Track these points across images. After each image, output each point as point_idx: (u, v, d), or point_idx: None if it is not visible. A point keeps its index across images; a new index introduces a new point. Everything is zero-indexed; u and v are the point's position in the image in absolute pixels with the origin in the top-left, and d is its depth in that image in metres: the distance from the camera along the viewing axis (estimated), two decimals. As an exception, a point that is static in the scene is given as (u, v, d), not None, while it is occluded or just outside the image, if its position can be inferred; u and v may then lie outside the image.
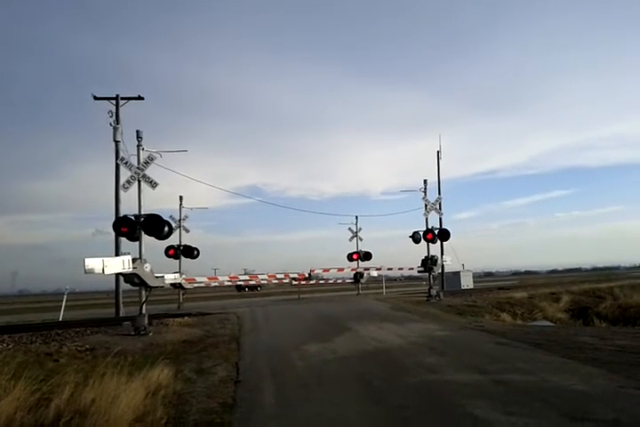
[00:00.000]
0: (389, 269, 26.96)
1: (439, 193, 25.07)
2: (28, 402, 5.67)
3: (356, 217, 29.62)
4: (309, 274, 23.64)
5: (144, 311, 12.76)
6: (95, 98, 23.80)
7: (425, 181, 23.15)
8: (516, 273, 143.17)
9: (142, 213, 12.93)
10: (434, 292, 22.88)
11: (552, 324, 19.68)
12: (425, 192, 22.93)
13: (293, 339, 11.44)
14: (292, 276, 22.05)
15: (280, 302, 23.70)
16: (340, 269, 24.36)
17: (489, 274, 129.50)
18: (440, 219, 25.03)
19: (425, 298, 22.62)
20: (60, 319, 20.86)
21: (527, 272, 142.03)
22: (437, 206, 23.50)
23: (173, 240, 23.16)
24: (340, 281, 29.76)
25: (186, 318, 15.71)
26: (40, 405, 5.68)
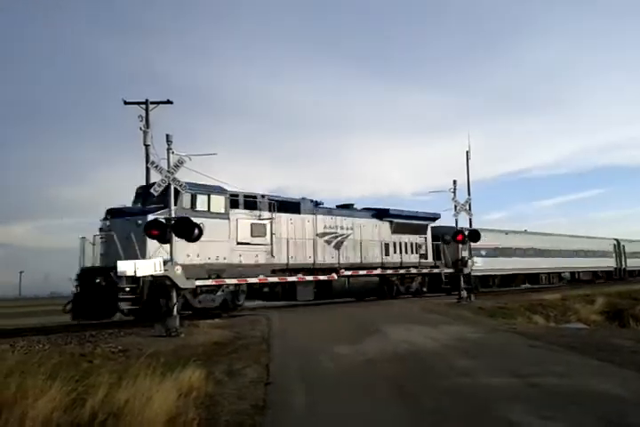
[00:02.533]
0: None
1: (469, 194, 24.58)
2: (64, 402, 5.76)
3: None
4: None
5: (175, 313, 12.90)
6: (125, 103, 24.17)
7: (454, 182, 22.88)
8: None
9: (172, 216, 13.08)
10: (464, 294, 22.63)
11: (586, 326, 19.28)
12: (454, 193, 22.65)
13: (323, 341, 11.44)
14: (321, 278, 21.95)
15: (309, 303, 23.66)
16: (370, 270, 24.10)
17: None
18: (470, 220, 24.69)
19: (455, 300, 22.39)
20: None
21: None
22: (467, 207, 23.23)
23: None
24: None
25: (216, 319, 15.81)
26: (75, 405, 5.76)
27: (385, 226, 24.19)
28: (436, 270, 25.87)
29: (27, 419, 5.23)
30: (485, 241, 26.97)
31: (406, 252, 25.00)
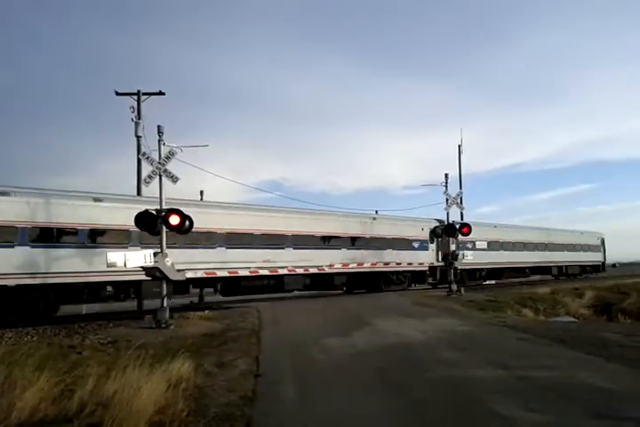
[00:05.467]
0: (409, 264, 26.79)
1: (460, 187, 24.78)
2: (52, 393, 5.74)
3: (376, 211, 29.49)
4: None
5: (165, 305, 12.86)
6: (117, 93, 23.90)
7: (446, 176, 23.01)
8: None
9: (164, 207, 13.00)
10: (455, 287, 22.74)
11: (575, 320, 19.42)
12: (446, 186, 22.79)
13: (313, 333, 11.45)
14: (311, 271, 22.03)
15: (300, 296, 23.75)
16: (360, 264, 24.20)
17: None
18: (461, 213, 24.86)
19: (446, 293, 22.48)
20: (83, 312, 21.13)
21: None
22: (458, 201, 23.32)
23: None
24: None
25: (206, 311, 15.81)
26: (64, 396, 5.75)
27: None
28: None
29: (14, 410, 5.20)
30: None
31: None
